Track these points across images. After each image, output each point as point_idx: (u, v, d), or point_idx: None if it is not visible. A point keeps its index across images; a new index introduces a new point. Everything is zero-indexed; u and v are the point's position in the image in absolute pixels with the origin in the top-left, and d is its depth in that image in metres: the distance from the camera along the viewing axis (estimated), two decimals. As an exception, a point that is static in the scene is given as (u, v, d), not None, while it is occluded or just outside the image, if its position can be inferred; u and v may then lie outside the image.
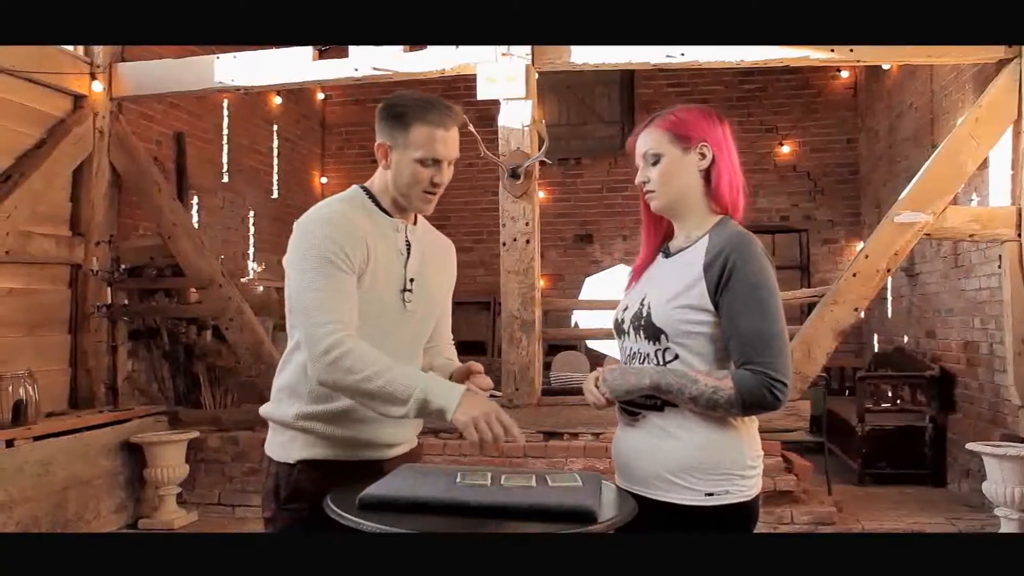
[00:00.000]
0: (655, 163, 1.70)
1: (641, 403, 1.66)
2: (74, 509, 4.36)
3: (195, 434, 4.86)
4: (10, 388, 4.25)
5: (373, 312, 1.71)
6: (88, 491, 4.47)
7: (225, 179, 7.09)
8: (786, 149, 8.20)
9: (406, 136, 1.75)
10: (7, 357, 4.53)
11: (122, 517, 4.72)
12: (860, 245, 4.69)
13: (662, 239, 1.80)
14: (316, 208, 1.77)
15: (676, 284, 1.65)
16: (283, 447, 1.74)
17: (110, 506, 4.64)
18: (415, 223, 1.86)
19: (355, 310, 1.66)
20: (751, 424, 1.68)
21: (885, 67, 6.84)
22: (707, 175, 1.70)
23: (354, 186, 1.86)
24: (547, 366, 6.89)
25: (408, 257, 1.80)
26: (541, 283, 5.09)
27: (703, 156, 1.69)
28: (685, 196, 1.70)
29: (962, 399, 5.41)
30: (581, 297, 6.57)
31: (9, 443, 4.05)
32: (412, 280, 1.80)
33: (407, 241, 1.82)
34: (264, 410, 1.80)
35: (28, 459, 4.11)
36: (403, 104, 1.78)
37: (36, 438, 4.20)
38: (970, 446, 4.23)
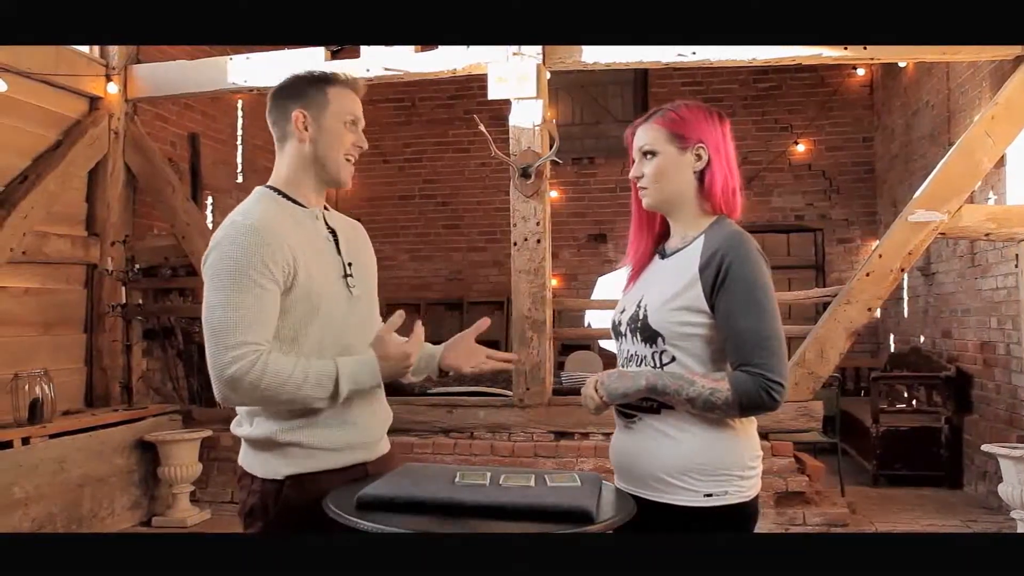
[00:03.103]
0: (650, 160, 1.70)
1: (637, 406, 1.65)
2: (89, 506, 4.41)
3: (208, 433, 4.90)
4: (26, 387, 4.32)
5: (323, 308, 1.67)
6: (103, 488, 4.52)
7: (239, 179, 7.14)
8: (801, 148, 8.13)
9: (325, 97, 1.72)
10: (24, 356, 4.59)
11: (136, 514, 4.76)
12: (876, 244, 4.64)
13: (656, 238, 1.79)
14: (232, 216, 1.67)
15: (672, 286, 1.64)
16: (267, 463, 1.68)
17: (124, 503, 4.68)
18: (326, 209, 1.82)
19: (270, 326, 1.61)
20: (750, 424, 1.67)
21: (901, 65, 6.78)
22: (701, 176, 1.68)
23: (259, 187, 1.77)
24: (560, 366, 6.89)
25: (337, 242, 1.76)
26: (554, 283, 5.08)
27: (699, 157, 1.68)
28: (677, 196, 1.69)
29: (979, 400, 5.35)
30: (593, 297, 6.56)
31: (25, 441, 4.10)
32: (350, 264, 1.76)
33: (329, 227, 1.77)
34: (240, 431, 1.73)
35: (44, 457, 4.16)
36: (314, 72, 1.76)
37: (52, 436, 4.26)
38: (986, 448, 4.18)
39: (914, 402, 5.89)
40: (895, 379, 6.14)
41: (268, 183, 1.77)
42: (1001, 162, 4.68)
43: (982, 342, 5.27)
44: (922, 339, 6.60)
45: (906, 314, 7.14)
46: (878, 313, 6.90)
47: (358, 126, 1.76)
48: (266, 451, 1.68)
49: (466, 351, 1.90)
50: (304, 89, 1.73)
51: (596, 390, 1.65)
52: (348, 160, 1.76)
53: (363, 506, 1.47)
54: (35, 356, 4.67)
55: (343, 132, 1.73)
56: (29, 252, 4.69)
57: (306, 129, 1.72)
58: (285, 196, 1.74)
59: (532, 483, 1.57)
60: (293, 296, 1.64)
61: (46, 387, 4.38)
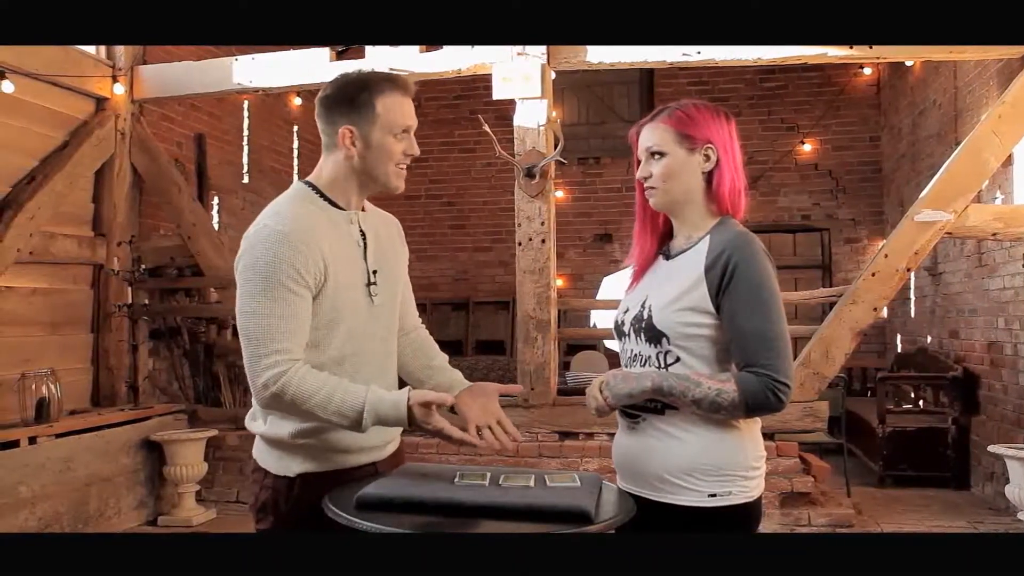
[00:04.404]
0: (658, 160, 1.68)
1: (642, 406, 1.64)
2: (95, 506, 4.42)
3: (214, 432, 4.91)
4: (33, 386, 4.34)
5: (344, 315, 1.67)
6: (109, 488, 4.53)
7: (245, 180, 7.15)
8: (808, 147, 8.11)
9: (372, 111, 1.66)
10: (31, 356, 4.61)
11: (142, 514, 4.78)
12: (882, 244, 4.62)
13: (660, 237, 1.78)
14: (265, 219, 1.65)
15: (677, 286, 1.63)
16: (280, 460, 1.69)
17: (130, 503, 4.70)
18: (363, 209, 1.79)
19: (303, 331, 1.61)
20: (753, 425, 1.66)
21: (908, 64, 6.75)
22: (709, 177, 1.67)
23: (298, 182, 1.75)
24: (566, 366, 6.89)
25: (366, 248, 1.74)
26: (559, 283, 5.07)
27: (707, 158, 1.67)
28: (686, 196, 1.68)
29: (986, 401, 5.33)
30: (598, 297, 6.56)
31: (32, 440, 4.12)
32: (375, 272, 1.73)
33: (361, 231, 1.74)
34: (255, 428, 1.74)
35: (50, 456, 4.18)
36: (362, 80, 1.69)
37: (58, 435, 4.28)
38: (992, 448, 4.17)
39: (921, 402, 5.88)
40: (902, 379, 6.12)
41: (309, 178, 1.75)
42: (1008, 161, 4.66)
43: (989, 342, 5.25)
44: (929, 339, 6.57)
45: (913, 314, 7.12)
46: (885, 313, 6.88)
47: (410, 132, 1.71)
48: (279, 448, 1.70)
49: (482, 406, 1.70)
50: (351, 100, 1.67)
51: (600, 392, 1.65)
52: (399, 168, 1.72)
53: (362, 506, 1.47)
54: (42, 356, 4.69)
55: (392, 144, 1.69)
56: (36, 252, 4.71)
57: (354, 145, 1.68)
58: (323, 196, 1.72)
59: (532, 483, 1.57)
60: (319, 302, 1.64)
61: (52, 387, 4.40)
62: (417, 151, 1.73)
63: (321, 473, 1.67)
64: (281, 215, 1.64)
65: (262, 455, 1.74)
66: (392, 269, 1.81)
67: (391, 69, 4.82)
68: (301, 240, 1.60)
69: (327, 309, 1.65)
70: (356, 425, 1.59)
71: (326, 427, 1.65)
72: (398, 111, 1.68)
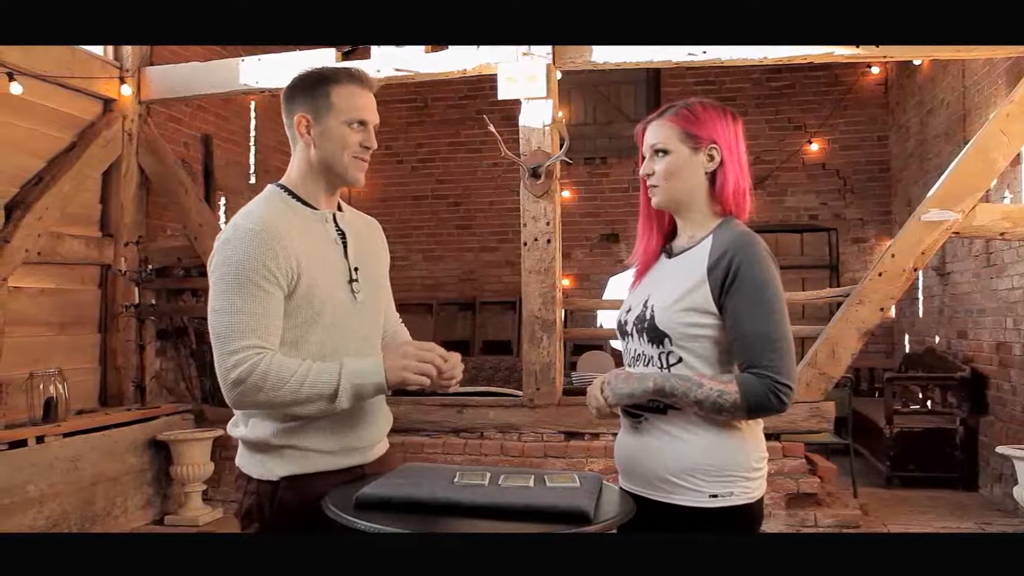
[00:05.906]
0: (662, 158, 1.67)
1: (644, 406, 1.64)
2: (102, 505, 4.44)
3: (220, 432, 4.91)
4: (41, 386, 4.37)
5: (325, 313, 1.66)
6: (116, 487, 4.55)
7: (252, 180, 7.17)
8: (815, 147, 8.07)
9: (328, 100, 1.68)
10: (39, 355, 4.64)
11: (149, 513, 4.80)
12: (889, 244, 4.60)
13: (663, 236, 1.78)
14: (236, 221, 1.65)
15: (680, 286, 1.62)
16: (262, 464, 1.67)
17: (137, 502, 4.71)
18: (340, 209, 1.79)
19: (275, 329, 1.60)
20: (755, 426, 1.65)
21: (916, 63, 6.72)
22: (713, 177, 1.67)
23: (270, 185, 1.76)
24: (573, 366, 6.89)
25: (345, 246, 1.73)
26: (566, 283, 5.06)
27: (711, 158, 1.66)
28: (688, 196, 1.68)
29: (994, 401, 5.29)
30: (604, 297, 6.55)
31: (40, 439, 4.14)
32: (356, 269, 1.73)
33: (339, 229, 1.74)
34: (236, 432, 1.72)
35: (58, 455, 4.19)
36: (319, 72, 1.71)
37: (66, 435, 4.29)
38: (1001, 449, 4.14)
39: (928, 403, 5.85)
40: (909, 380, 6.09)
41: (280, 181, 1.76)
42: (1016, 160, 4.63)
43: (998, 342, 5.22)
44: (937, 339, 6.54)
45: (921, 314, 7.08)
46: (892, 313, 6.84)
47: (367, 125, 1.71)
48: (261, 453, 1.68)
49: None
50: (307, 90, 1.70)
51: (602, 392, 1.65)
52: (357, 159, 1.71)
53: (361, 506, 1.47)
54: (50, 356, 4.71)
55: (347, 134, 1.69)
56: (44, 253, 4.73)
57: (309, 132, 1.69)
58: (295, 196, 1.72)
59: (531, 483, 1.57)
60: (295, 300, 1.63)
61: (60, 386, 4.43)
62: (374, 144, 1.73)
63: (305, 476, 1.65)
64: (252, 214, 1.65)
65: (244, 461, 1.72)
66: (375, 269, 1.81)
67: (396, 69, 4.84)
68: (272, 238, 1.60)
69: (304, 306, 1.64)
70: (334, 396, 1.57)
71: (307, 428, 1.64)
72: (353, 101, 1.69)
